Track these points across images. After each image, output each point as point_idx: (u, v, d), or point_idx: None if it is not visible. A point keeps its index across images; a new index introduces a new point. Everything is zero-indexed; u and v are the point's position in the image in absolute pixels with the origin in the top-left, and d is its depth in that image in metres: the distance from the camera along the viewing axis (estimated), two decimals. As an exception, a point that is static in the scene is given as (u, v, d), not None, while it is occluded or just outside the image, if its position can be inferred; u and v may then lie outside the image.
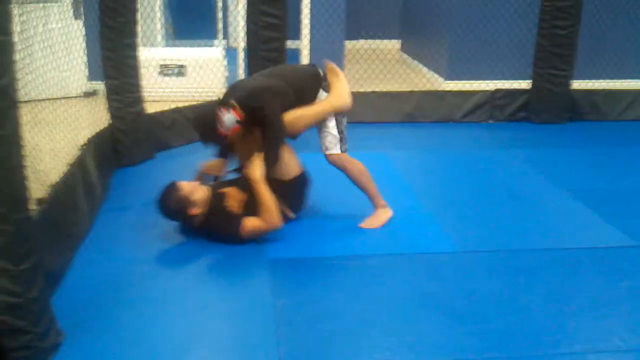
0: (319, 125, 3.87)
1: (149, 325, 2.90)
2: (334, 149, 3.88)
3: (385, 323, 2.94)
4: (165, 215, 3.72)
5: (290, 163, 3.90)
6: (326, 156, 3.91)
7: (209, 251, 3.60)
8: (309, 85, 3.87)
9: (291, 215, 3.85)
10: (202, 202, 3.67)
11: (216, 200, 3.71)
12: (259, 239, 3.66)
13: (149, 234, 3.78)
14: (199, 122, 3.84)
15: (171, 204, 3.66)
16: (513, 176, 4.85)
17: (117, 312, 2.99)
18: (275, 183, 3.74)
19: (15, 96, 2.43)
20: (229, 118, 3.60)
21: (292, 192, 3.90)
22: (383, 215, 4.01)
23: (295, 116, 3.76)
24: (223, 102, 3.66)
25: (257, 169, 3.65)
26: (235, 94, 3.70)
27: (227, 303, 3.14)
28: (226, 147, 3.91)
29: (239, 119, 3.63)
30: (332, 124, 3.85)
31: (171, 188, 3.67)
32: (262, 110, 3.65)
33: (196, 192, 3.67)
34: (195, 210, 3.64)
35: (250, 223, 3.63)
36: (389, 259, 3.54)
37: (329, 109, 3.84)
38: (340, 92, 3.87)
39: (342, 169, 3.92)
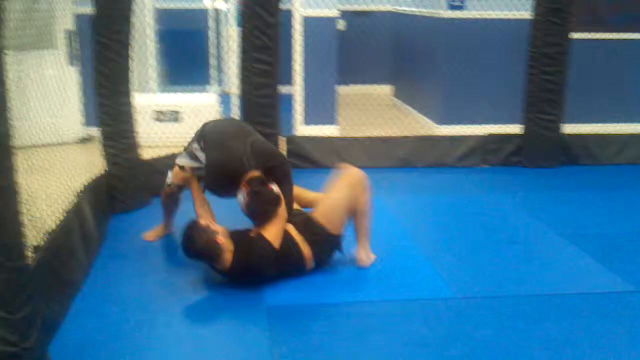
0: None
1: (146, 375, 2.87)
2: None
3: (385, 371, 2.92)
4: (195, 257, 3.66)
5: (343, 220, 3.88)
6: None
7: (207, 298, 3.57)
8: None
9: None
10: (227, 238, 3.63)
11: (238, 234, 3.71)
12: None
13: (146, 281, 3.75)
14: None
15: (199, 245, 3.57)
16: (508, 220, 4.86)
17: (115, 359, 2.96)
18: (322, 232, 3.79)
19: (11, 145, 2.44)
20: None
21: (328, 245, 3.87)
22: None
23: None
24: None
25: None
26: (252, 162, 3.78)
27: (226, 350, 3.10)
28: None
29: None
30: None
31: (195, 228, 3.62)
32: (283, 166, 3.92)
33: (218, 228, 3.64)
34: (223, 243, 3.58)
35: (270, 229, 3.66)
36: (386, 306, 3.51)
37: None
38: None
39: None
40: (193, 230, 3.61)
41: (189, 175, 4.05)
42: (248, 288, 3.63)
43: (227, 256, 3.59)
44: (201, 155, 3.93)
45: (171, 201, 4.31)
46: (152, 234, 4.37)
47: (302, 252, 3.75)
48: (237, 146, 3.82)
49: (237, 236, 3.69)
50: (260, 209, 3.67)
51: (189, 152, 4.06)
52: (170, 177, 4.16)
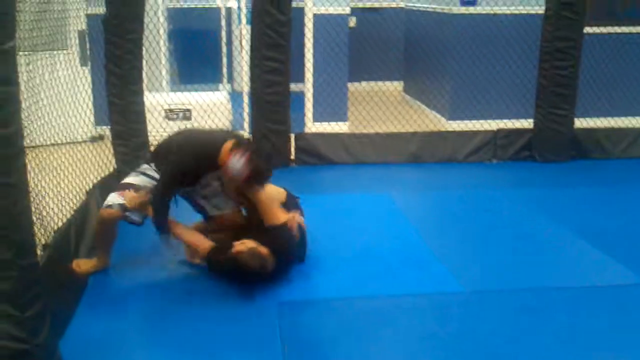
0: None
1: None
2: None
3: (393, 365, 2.93)
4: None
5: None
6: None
7: (217, 294, 3.59)
8: None
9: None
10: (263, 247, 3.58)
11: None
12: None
13: (155, 276, 3.77)
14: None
15: (256, 269, 3.51)
16: (518, 215, 4.85)
17: (126, 355, 2.99)
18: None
19: (22, 144, 2.46)
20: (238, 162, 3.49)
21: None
22: None
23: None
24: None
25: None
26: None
27: (236, 346, 3.11)
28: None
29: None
30: None
31: (248, 262, 3.48)
32: None
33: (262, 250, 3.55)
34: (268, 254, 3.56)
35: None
36: (396, 300, 3.52)
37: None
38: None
39: None
40: (247, 264, 3.49)
41: (146, 199, 3.67)
42: (259, 284, 3.64)
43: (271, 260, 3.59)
44: (154, 175, 3.70)
45: (110, 230, 3.77)
46: (84, 266, 3.76)
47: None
48: (202, 133, 3.77)
49: (263, 238, 3.61)
50: (263, 167, 3.56)
51: (140, 172, 3.78)
52: (118, 200, 3.67)
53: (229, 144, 3.54)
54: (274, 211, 3.77)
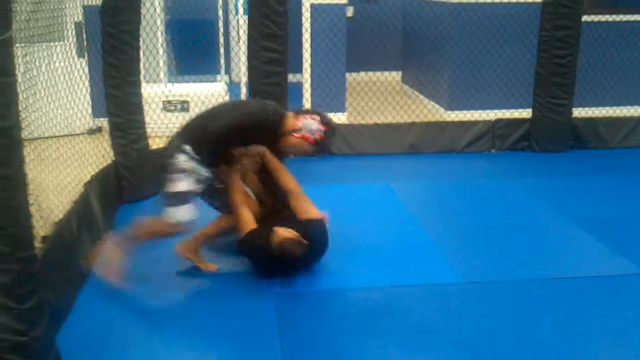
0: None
1: (155, 362, 2.90)
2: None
3: (393, 358, 2.93)
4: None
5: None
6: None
7: (215, 286, 3.60)
8: None
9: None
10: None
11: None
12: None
13: (153, 269, 3.77)
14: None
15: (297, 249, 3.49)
16: (517, 205, 4.85)
17: (123, 348, 2.99)
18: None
19: (19, 136, 2.45)
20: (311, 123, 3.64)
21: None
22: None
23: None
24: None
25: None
26: None
27: (234, 337, 3.12)
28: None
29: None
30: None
31: (292, 245, 3.46)
32: None
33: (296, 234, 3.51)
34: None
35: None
36: (395, 291, 3.52)
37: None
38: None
39: None
40: (292, 248, 3.47)
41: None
42: (255, 275, 3.65)
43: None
44: (195, 158, 3.49)
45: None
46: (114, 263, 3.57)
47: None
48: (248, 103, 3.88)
49: (294, 226, 3.58)
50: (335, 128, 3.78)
51: (184, 170, 3.48)
52: (185, 216, 3.48)
53: (292, 113, 3.67)
54: (310, 205, 3.75)
